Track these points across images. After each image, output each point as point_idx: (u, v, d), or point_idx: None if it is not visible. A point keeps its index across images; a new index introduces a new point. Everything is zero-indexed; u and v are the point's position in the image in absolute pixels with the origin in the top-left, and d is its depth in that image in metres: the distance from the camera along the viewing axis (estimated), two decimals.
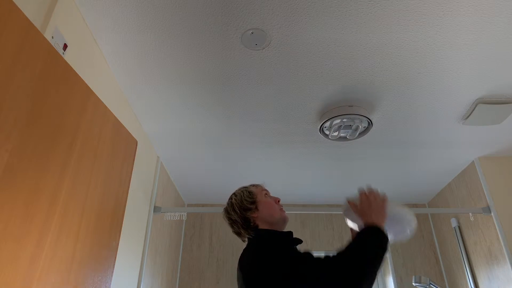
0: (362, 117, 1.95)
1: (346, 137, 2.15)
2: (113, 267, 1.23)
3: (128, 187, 1.37)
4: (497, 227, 2.33)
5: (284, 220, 1.34)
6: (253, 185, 1.44)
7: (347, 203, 1.43)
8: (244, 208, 1.32)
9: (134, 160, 1.44)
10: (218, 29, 1.47)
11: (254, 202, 1.34)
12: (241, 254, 1.25)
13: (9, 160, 0.77)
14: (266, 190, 1.44)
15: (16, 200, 0.79)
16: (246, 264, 1.18)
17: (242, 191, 1.39)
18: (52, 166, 0.91)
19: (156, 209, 2.37)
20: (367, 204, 1.33)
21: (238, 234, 1.35)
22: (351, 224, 1.50)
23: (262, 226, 1.30)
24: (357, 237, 1.15)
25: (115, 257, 1.25)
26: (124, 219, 1.33)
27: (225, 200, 1.39)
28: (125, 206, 1.35)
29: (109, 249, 1.20)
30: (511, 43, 1.54)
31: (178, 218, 3.10)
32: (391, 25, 1.45)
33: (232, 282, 3.04)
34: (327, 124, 2.03)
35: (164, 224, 2.66)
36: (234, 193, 1.41)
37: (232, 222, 1.33)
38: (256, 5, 1.36)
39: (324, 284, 1.02)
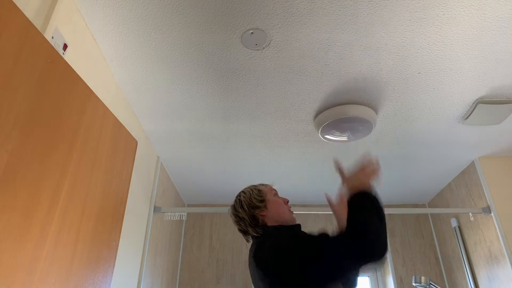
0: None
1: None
2: (113, 267, 1.23)
3: (128, 187, 1.37)
4: (497, 227, 2.33)
5: (292, 221, 1.34)
6: (262, 184, 1.45)
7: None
8: (252, 206, 1.32)
9: (134, 160, 1.44)
10: (218, 29, 1.47)
11: (263, 201, 1.34)
12: (254, 251, 1.22)
13: (9, 160, 0.77)
14: (275, 190, 1.44)
15: (16, 200, 0.79)
16: (265, 259, 1.15)
17: (251, 189, 1.39)
18: (52, 166, 0.91)
19: (156, 209, 2.37)
20: (362, 172, 1.28)
21: (244, 232, 1.34)
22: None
23: (270, 224, 1.30)
24: (354, 204, 1.15)
25: (115, 257, 1.25)
26: (124, 219, 1.33)
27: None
28: (125, 206, 1.35)
29: (109, 249, 1.20)
30: (511, 43, 1.54)
31: (178, 218, 3.10)
32: (391, 25, 1.45)
33: (232, 282, 3.04)
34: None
35: (164, 224, 2.66)
36: (243, 191, 1.41)
37: (239, 220, 1.33)
38: (256, 5, 1.36)
39: (352, 253, 1.04)
